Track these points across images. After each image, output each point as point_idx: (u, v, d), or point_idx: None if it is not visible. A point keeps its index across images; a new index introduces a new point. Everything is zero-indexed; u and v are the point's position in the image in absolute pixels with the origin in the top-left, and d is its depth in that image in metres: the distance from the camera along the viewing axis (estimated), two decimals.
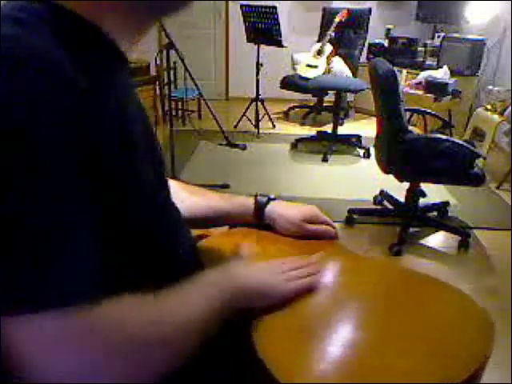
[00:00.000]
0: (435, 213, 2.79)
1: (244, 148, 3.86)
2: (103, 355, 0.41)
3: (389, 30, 4.97)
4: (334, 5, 4.91)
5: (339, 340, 0.56)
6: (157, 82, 4.31)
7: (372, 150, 3.45)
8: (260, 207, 0.82)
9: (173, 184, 0.73)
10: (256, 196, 0.84)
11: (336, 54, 4.23)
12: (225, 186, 3.03)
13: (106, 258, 0.43)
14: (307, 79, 3.89)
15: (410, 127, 2.39)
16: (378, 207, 2.87)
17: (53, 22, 0.43)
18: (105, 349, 0.41)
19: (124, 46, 0.51)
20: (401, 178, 2.39)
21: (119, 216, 0.47)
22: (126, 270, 0.50)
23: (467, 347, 0.55)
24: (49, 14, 0.44)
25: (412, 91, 3.98)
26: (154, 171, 0.57)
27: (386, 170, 2.38)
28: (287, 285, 0.63)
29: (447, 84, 3.83)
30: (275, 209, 0.82)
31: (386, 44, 4.85)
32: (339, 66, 4.14)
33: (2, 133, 0.36)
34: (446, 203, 2.80)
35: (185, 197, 0.78)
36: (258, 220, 0.82)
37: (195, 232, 0.79)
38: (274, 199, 0.84)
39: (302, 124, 4.71)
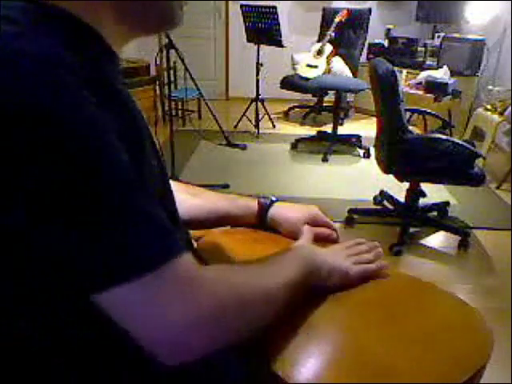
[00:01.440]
0: (435, 213, 2.79)
1: (244, 148, 3.86)
2: (209, 311, 0.43)
3: (389, 30, 4.98)
4: (334, 5, 4.91)
5: (341, 341, 0.57)
6: (157, 82, 4.32)
7: (372, 150, 3.45)
8: (263, 209, 0.82)
9: (173, 185, 0.72)
10: (259, 198, 0.83)
11: (336, 54, 4.23)
12: (225, 186, 3.03)
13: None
14: (307, 79, 3.89)
15: (410, 127, 2.39)
16: (378, 207, 2.87)
17: (44, 21, 0.43)
18: (209, 304, 0.43)
19: (114, 45, 0.52)
20: (401, 178, 2.39)
21: None
22: None
23: (466, 352, 0.56)
24: (39, 12, 0.43)
25: (412, 91, 3.98)
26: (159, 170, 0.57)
27: (386, 169, 2.38)
28: (356, 267, 0.68)
29: (447, 84, 3.83)
30: (278, 211, 0.82)
31: (386, 44, 4.86)
32: (339, 66, 4.15)
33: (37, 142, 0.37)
34: (446, 203, 2.80)
35: (186, 198, 0.78)
36: (260, 222, 0.82)
37: (196, 233, 0.79)
38: (276, 201, 0.84)
39: (302, 124, 4.71)
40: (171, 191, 0.62)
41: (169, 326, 0.41)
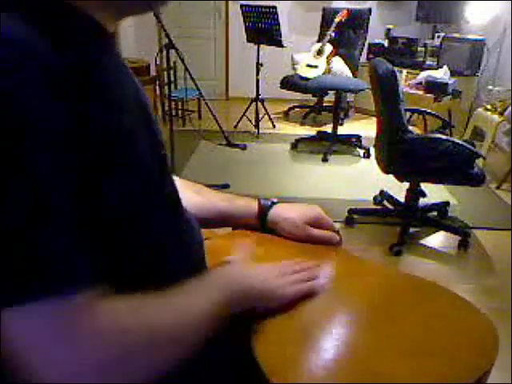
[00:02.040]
0: (435, 213, 2.79)
1: (244, 148, 3.86)
2: (102, 358, 0.40)
3: (389, 30, 4.97)
4: (334, 5, 4.91)
5: (336, 343, 0.56)
6: (157, 82, 4.32)
7: (372, 150, 3.45)
8: (263, 210, 0.81)
9: (178, 182, 0.72)
10: (259, 199, 0.83)
11: (336, 54, 4.23)
12: (225, 186, 3.03)
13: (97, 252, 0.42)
14: (307, 79, 3.89)
15: (410, 127, 2.39)
16: (378, 207, 2.87)
17: (26, 6, 0.42)
18: (104, 351, 0.40)
19: (107, 25, 0.50)
20: (401, 178, 2.39)
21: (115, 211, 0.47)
22: (123, 266, 0.50)
23: (471, 355, 0.54)
24: None
25: (412, 91, 3.98)
26: (154, 155, 0.55)
27: (386, 169, 2.38)
28: (288, 288, 0.62)
29: (447, 84, 3.83)
30: (279, 212, 0.81)
31: (386, 44, 4.85)
32: (339, 65, 4.14)
33: None
34: (446, 203, 2.80)
35: (191, 196, 0.77)
36: (260, 223, 0.82)
37: None
38: (277, 202, 0.83)
39: (302, 124, 4.71)
40: (171, 177, 0.61)
41: (53, 364, 0.38)
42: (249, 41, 4.12)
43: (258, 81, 4.18)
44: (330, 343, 0.56)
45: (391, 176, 2.37)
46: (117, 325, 0.42)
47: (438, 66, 4.23)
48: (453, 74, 4.05)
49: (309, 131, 4.34)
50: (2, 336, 0.36)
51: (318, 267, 0.70)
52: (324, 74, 4.01)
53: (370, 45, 4.83)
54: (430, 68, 4.32)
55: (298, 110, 5.03)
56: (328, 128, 4.12)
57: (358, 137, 3.97)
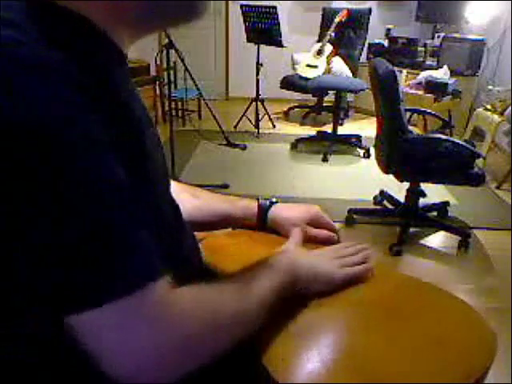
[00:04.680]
0: (435, 213, 2.79)
1: (244, 148, 3.86)
2: (180, 340, 0.42)
3: (389, 29, 4.97)
4: (334, 5, 4.91)
5: (338, 343, 0.57)
6: (157, 82, 4.32)
7: (372, 150, 3.45)
8: (263, 210, 0.82)
9: (173, 185, 0.72)
10: (258, 199, 0.83)
11: (336, 54, 4.23)
12: (225, 186, 3.03)
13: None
14: (307, 79, 3.89)
15: (410, 127, 2.39)
16: (378, 207, 2.87)
17: (47, 25, 0.42)
18: (181, 334, 0.43)
19: (122, 45, 0.50)
20: (401, 178, 2.39)
21: None
22: None
23: (468, 357, 0.55)
24: (43, 14, 0.42)
25: (412, 91, 3.98)
26: (161, 171, 0.56)
27: (386, 170, 2.38)
28: (340, 271, 0.66)
29: (447, 84, 3.83)
30: (278, 212, 0.81)
31: (386, 44, 4.86)
32: (339, 65, 4.14)
33: (31, 147, 0.36)
34: (446, 203, 2.80)
35: (185, 199, 0.77)
36: (260, 223, 0.82)
37: (198, 235, 0.79)
38: (276, 202, 0.83)
39: (302, 124, 4.71)
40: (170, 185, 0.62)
41: (135, 353, 0.40)
42: (249, 41, 4.12)
43: (258, 81, 4.19)
44: (332, 344, 0.56)
45: (391, 176, 2.37)
46: (194, 308, 0.45)
47: (438, 66, 4.23)
48: (453, 74, 4.05)
49: (309, 131, 4.34)
50: (87, 337, 0.39)
51: (368, 249, 0.73)
52: (324, 74, 4.01)
53: (369, 45, 4.83)
54: (430, 68, 4.32)
55: (297, 109, 5.03)
56: (328, 128, 4.12)
57: (358, 137, 3.97)
